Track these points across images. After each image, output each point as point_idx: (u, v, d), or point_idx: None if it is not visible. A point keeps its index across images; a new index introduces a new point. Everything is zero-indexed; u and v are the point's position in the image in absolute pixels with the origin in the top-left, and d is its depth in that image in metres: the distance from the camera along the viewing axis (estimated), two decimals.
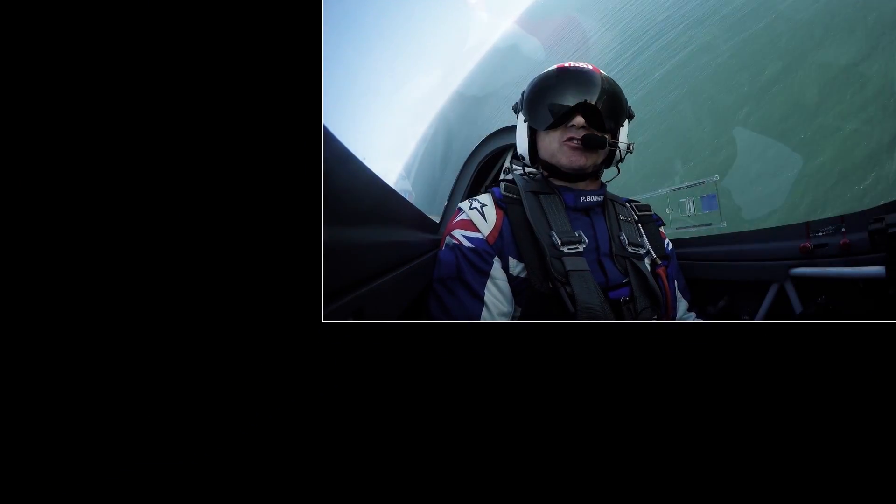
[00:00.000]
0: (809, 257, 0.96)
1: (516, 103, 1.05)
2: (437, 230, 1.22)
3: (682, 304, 1.06)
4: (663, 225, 1.12)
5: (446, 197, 1.89)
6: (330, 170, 0.47)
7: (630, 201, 1.11)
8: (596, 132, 0.94)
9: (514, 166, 1.15)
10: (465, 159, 1.82)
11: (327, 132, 0.49)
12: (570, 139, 0.94)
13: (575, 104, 0.93)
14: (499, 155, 1.75)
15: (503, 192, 1.00)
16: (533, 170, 1.05)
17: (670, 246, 1.11)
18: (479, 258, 0.91)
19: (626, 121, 1.01)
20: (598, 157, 0.98)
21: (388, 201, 0.76)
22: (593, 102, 0.93)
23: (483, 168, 1.80)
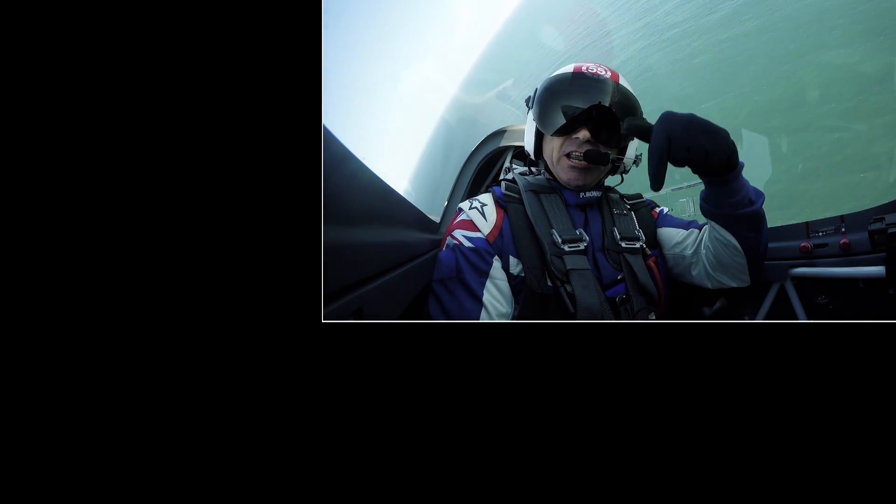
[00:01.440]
0: (809, 257, 0.96)
1: (529, 97, 1.02)
2: (437, 230, 1.22)
3: (693, 233, 0.99)
4: (657, 206, 1.11)
5: (446, 197, 1.89)
6: (330, 170, 0.47)
7: (623, 196, 1.10)
8: (601, 146, 0.91)
9: (515, 166, 1.15)
10: (464, 159, 1.82)
11: (327, 132, 0.49)
12: (572, 154, 0.91)
13: (580, 114, 0.89)
14: (499, 155, 1.75)
15: (504, 192, 0.99)
16: (534, 169, 1.04)
17: (665, 210, 1.08)
18: (478, 258, 0.90)
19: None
20: (600, 172, 0.96)
21: (388, 201, 0.76)
22: (600, 115, 0.89)
23: (483, 168, 1.80)
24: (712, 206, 0.84)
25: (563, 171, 0.94)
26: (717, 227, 0.86)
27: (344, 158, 0.51)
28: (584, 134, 0.90)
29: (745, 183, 0.82)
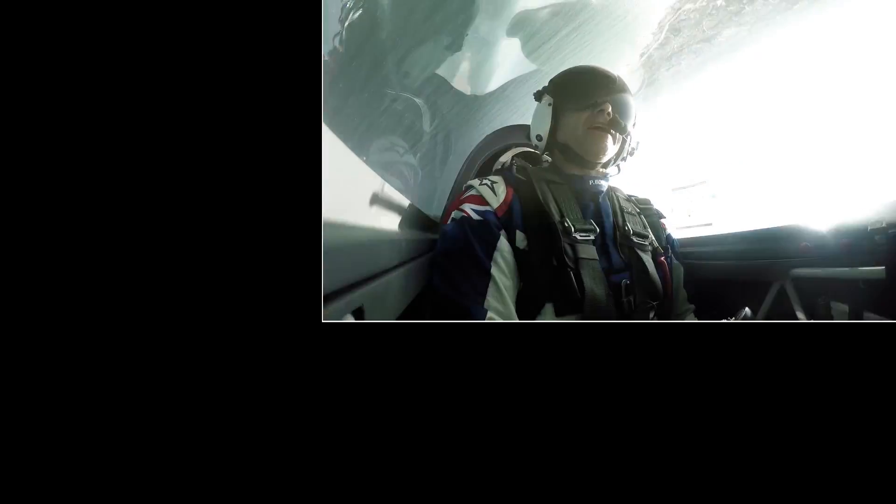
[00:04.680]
0: (809, 257, 0.96)
1: (538, 91, 1.08)
2: (437, 230, 1.23)
3: (681, 294, 1.08)
4: (664, 217, 1.14)
5: (446, 196, 1.89)
6: (329, 169, 0.47)
7: (630, 196, 1.13)
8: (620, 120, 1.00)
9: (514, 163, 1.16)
10: (465, 159, 1.82)
11: (327, 132, 0.49)
12: (597, 126, 0.98)
13: (606, 91, 0.98)
14: (499, 154, 1.75)
15: (515, 174, 1.02)
16: (547, 158, 1.07)
17: (672, 236, 1.12)
18: (487, 231, 0.91)
19: (633, 124, 1.05)
20: (615, 148, 1.02)
21: (387, 201, 0.76)
22: (619, 96, 0.99)
23: (483, 167, 1.80)
24: None
25: (591, 141, 0.99)
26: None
27: (343, 157, 0.51)
28: (608, 106, 0.97)
29: None
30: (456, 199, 1.01)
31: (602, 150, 0.99)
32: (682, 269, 1.11)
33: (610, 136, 0.99)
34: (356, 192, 0.57)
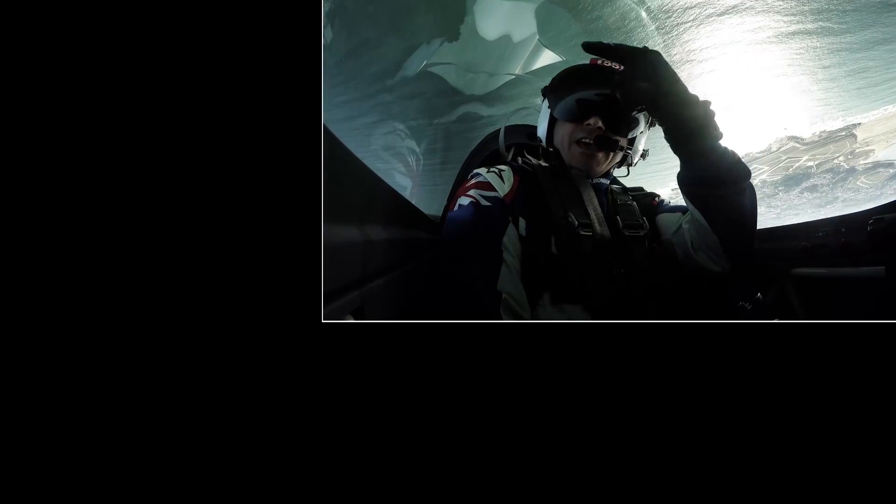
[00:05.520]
0: (809, 257, 0.96)
1: (544, 87, 1.05)
2: (437, 229, 1.23)
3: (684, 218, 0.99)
4: (657, 196, 1.11)
5: (446, 197, 1.89)
6: (330, 170, 0.47)
7: (624, 187, 1.12)
8: (611, 134, 0.93)
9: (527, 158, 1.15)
10: (465, 159, 1.82)
11: (327, 132, 0.49)
12: (582, 140, 0.93)
13: (593, 103, 0.91)
14: (498, 154, 1.75)
15: (520, 164, 1.01)
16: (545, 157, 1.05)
17: (670, 202, 1.08)
18: (497, 216, 0.90)
19: (646, 127, 1.00)
20: (609, 160, 0.98)
21: (387, 201, 0.76)
22: (612, 103, 0.90)
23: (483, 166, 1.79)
24: (681, 178, 0.84)
25: (574, 157, 0.96)
26: (686, 201, 0.87)
27: (344, 158, 0.51)
28: (595, 120, 0.91)
29: (711, 157, 0.80)
30: (461, 186, 1.00)
31: (590, 166, 0.95)
32: (675, 214, 1.02)
33: (599, 153, 0.94)
34: (356, 192, 0.57)
